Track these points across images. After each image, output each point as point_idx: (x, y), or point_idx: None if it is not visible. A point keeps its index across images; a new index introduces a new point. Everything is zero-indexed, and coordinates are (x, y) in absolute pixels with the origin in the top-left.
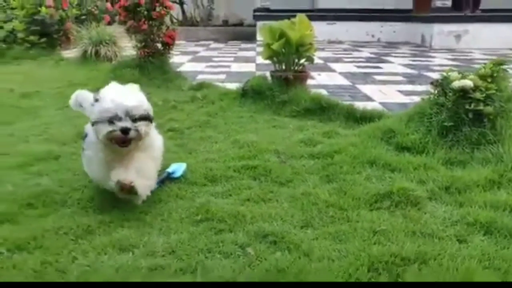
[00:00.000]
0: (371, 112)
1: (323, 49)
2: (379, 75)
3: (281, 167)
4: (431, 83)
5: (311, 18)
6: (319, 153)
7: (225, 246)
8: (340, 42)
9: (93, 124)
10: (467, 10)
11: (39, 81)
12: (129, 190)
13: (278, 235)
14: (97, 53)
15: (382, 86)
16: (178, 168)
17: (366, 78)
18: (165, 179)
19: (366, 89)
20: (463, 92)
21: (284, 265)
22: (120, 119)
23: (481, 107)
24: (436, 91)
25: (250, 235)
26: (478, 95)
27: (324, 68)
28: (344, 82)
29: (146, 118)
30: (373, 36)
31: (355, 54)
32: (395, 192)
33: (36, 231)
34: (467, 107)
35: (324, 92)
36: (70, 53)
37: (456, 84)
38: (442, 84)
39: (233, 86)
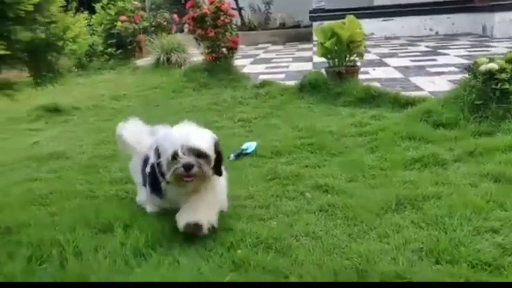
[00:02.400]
0: (414, 98)
1: (379, 46)
2: (433, 67)
3: (334, 143)
4: (465, 69)
5: (368, 16)
6: (367, 132)
7: (289, 193)
8: (397, 38)
9: (158, 164)
10: None
11: (122, 87)
12: (194, 230)
13: (329, 186)
14: (168, 60)
15: (434, 77)
16: (250, 146)
17: (420, 70)
18: (240, 154)
19: (418, 80)
20: (490, 74)
21: (333, 202)
22: (183, 155)
23: (506, 86)
24: (468, 75)
25: (308, 186)
26: (503, 76)
27: (379, 63)
28: (397, 75)
29: (208, 158)
30: (431, 29)
31: (411, 48)
32: (426, 156)
33: None
34: (493, 86)
35: (377, 84)
36: (143, 62)
37: (483, 67)
38: (473, 69)
39: (292, 83)
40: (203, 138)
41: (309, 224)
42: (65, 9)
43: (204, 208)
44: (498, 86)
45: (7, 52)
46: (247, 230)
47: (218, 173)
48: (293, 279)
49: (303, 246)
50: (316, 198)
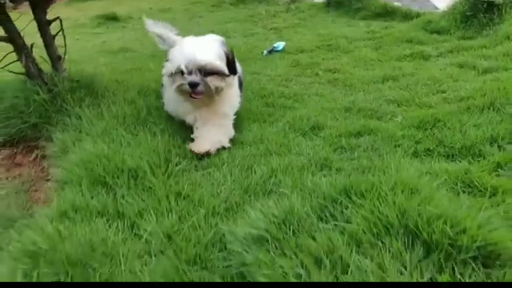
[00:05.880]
0: (422, 12)
1: None
2: None
3: (348, 44)
4: None
5: None
6: (375, 37)
7: (307, 73)
8: None
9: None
10: None
11: (167, 1)
12: (202, 156)
13: (337, 69)
14: None
15: None
16: (280, 44)
17: None
18: (272, 51)
19: (438, 2)
20: None
21: (338, 77)
22: (190, 73)
23: None
24: None
25: (322, 69)
26: None
27: None
28: None
29: (218, 73)
30: None
31: None
32: (416, 53)
33: None
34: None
35: (398, 4)
36: None
37: None
38: None
39: (321, 0)
40: (211, 54)
41: (318, 89)
42: None
43: (214, 136)
44: None
45: None
46: (275, 89)
47: (233, 72)
48: (302, 110)
49: (312, 99)
50: (326, 76)
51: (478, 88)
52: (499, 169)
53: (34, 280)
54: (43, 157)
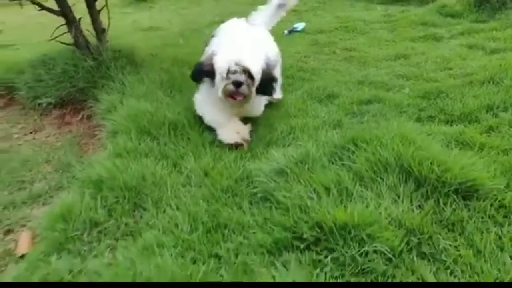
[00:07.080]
0: None
1: None
2: None
3: (365, 27)
4: None
5: None
6: (391, 20)
7: (325, 51)
8: None
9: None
10: None
11: None
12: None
13: (353, 48)
14: None
15: None
16: (300, 25)
17: None
18: (292, 31)
19: None
20: None
21: (353, 55)
22: (234, 72)
23: None
24: None
25: (339, 48)
26: None
27: None
28: None
29: (254, 79)
30: None
31: None
32: (429, 34)
33: None
34: None
35: None
36: None
37: None
38: None
39: None
40: (256, 60)
41: (335, 65)
42: None
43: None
44: None
45: None
46: (295, 64)
47: (268, 93)
48: (319, 82)
49: (328, 73)
50: (342, 54)
51: (482, 66)
52: (490, 131)
53: (99, 201)
54: (89, 117)
